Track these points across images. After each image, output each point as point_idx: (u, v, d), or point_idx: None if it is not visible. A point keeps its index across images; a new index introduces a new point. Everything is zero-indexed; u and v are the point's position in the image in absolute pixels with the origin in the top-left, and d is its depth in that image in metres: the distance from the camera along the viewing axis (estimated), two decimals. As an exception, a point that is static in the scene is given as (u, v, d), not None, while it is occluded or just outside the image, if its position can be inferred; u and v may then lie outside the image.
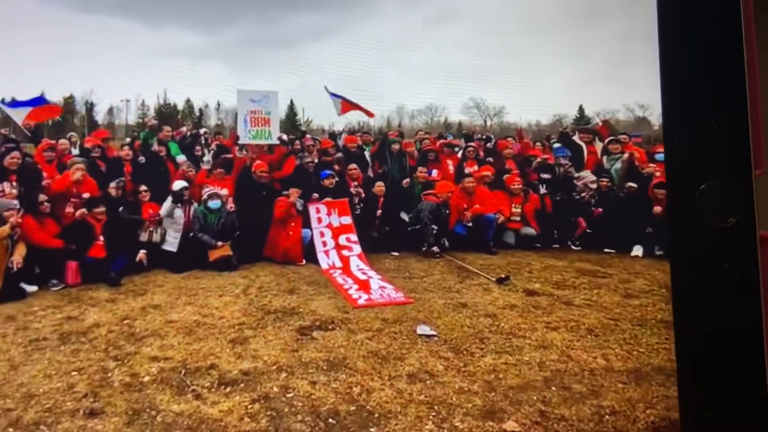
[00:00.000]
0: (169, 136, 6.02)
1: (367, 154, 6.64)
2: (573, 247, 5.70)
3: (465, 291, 4.35)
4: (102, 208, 4.67)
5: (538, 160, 6.22)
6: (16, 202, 4.31)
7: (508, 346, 3.29)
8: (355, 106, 7.13)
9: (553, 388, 2.79)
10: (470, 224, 5.63)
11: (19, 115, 5.81)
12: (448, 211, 5.64)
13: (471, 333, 3.49)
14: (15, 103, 5.94)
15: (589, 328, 3.54)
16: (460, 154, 6.55)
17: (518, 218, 5.78)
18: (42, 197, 4.47)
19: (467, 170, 6.12)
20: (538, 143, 6.84)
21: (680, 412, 1.16)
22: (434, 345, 3.32)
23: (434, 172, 6.17)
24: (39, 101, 6.00)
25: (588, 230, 5.69)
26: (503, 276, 4.58)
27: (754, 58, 1.13)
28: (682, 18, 1.15)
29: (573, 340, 3.38)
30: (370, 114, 7.40)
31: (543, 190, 5.86)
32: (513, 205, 5.78)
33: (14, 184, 4.54)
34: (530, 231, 5.74)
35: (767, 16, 1.19)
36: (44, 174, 4.81)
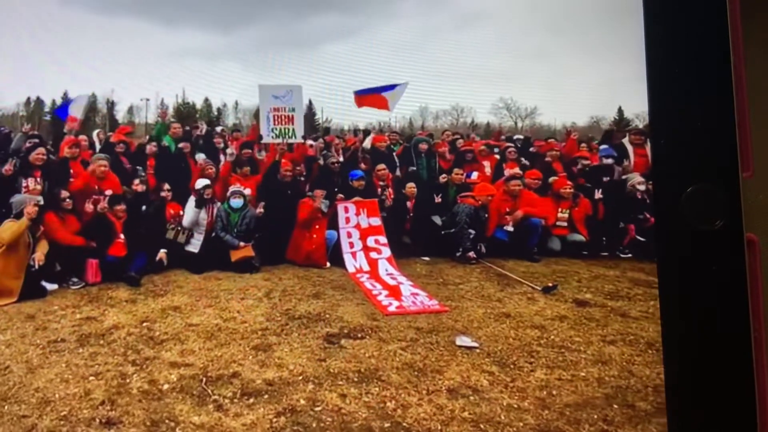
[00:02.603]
0: (180, 133, 5.95)
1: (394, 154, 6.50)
2: (622, 255, 5.41)
3: (507, 300, 4.16)
4: (123, 206, 4.69)
5: (585, 162, 5.96)
6: (39, 198, 4.39)
7: (561, 360, 3.11)
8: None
9: (615, 406, 2.64)
10: (512, 229, 5.42)
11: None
12: (487, 215, 5.45)
13: (517, 345, 3.31)
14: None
15: (649, 342, 3.32)
16: (498, 156, 6.34)
17: (565, 223, 5.53)
18: (64, 193, 4.52)
19: (507, 172, 5.91)
20: (583, 144, 6.58)
21: (667, 417, 1.17)
22: (476, 357, 3.16)
23: (474, 174, 5.97)
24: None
25: (638, 237, 5.39)
26: (550, 285, 4.38)
27: (740, 60, 1.15)
28: (669, 20, 1.17)
29: (633, 354, 3.19)
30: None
31: (598, 195, 5.59)
32: (560, 210, 5.54)
33: (38, 180, 4.62)
34: (578, 237, 5.49)
35: (755, 15, 1.23)
36: (71, 171, 4.88)
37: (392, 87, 6.75)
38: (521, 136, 7.19)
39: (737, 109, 1.14)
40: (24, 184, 4.61)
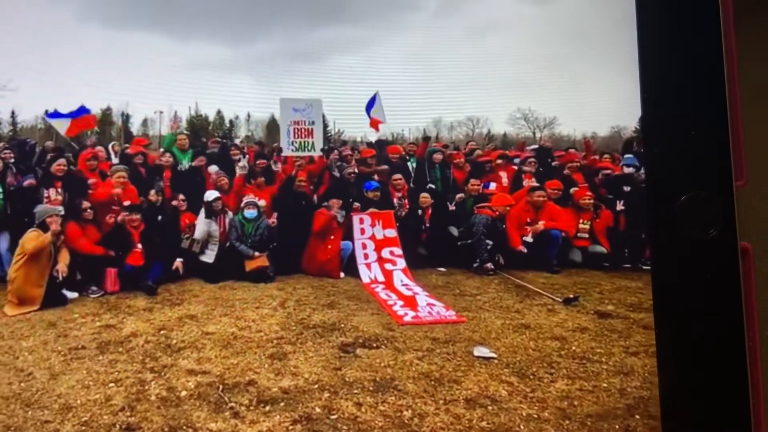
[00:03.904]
0: (186, 145, 6.13)
1: (410, 165, 6.60)
2: (644, 267, 5.39)
3: (526, 311, 4.19)
4: (139, 216, 4.87)
5: (606, 172, 5.98)
6: (60, 208, 4.59)
7: (582, 371, 3.13)
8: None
9: (637, 416, 2.66)
10: (531, 240, 5.45)
11: (61, 127, 6.14)
12: (504, 226, 5.50)
13: (537, 356, 3.34)
14: (56, 115, 6.29)
15: (673, 355, 3.30)
16: (516, 166, 6.39)
17: (586, 235, 5.55)
18: (85, 204, 4.73)
19: (526, 182, 5.96)
20: (606, 155, 6.60)
21: (662, 424, 1.21)
22: (494, 368, 3.20)
23: (492, 185, 6.04)
24: (79, 112, 6.32)
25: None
26: (571, 296, 4.40)
27: (734, 69, 1.18)
28: (662, 27, 1.20)
29: (656, 366, 3.14)
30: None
31: (620, 206, 5.60)
32: (581, 222, 5.57)
33: (59, 190, 4.83)
34: (600, 249, 5.49)
35: (747, 25, 1.27)
36: (89, 182, 5.10)
37: (371, 104, 6.85)
38: (536, 146, 7.23)
39: (731, 117, 1.18)
40: (45, 195, 4.82)
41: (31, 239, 4.32)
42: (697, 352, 1.18)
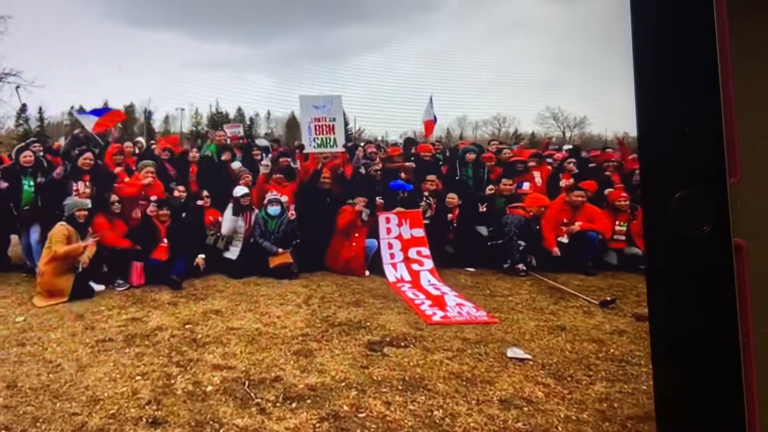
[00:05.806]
0: (223, 140, 6.32)
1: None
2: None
3: (561, 313, 4.13)
4: (166, 211, 5.00)
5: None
6: (88, 201, 4.74)
7: (621, 373, 3.08)
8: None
9: None
10: (566, 241, 5.36)
11: (88, 123, 6.43)
12: (538, 226, 5.43)
13: (574, 358, 3.29)
14: (81, 112, 6.57)
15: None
16: (552, 167, 6.31)
17: (622, 237, 5.44)
18: (114, 198, 4.89)
19: (563, 183, 5.87)
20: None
21: (656, 422, 1.21)
22: (529, 369, 3.16)
23: (525, 185, 5.98)
24: (103, 111, 6.58)
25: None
26: (608, 299, 4.33)
27: (728, 66, 1.19)
28: (657, 25, 1.22)
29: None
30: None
31: None
32: (618, 223, 5.47)
33: (87, 184, 4.99)
34: (636, 251, 5.38)
35: (742, 22, 1.28)
36: (117, 176, 5.25)
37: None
38: (569, 146, 7.13)
39: (725, 114, 1.18)
40: (74, 188, 4.98)
41: (59, 239, 4.43)
42: (692, 349, 1.19)
